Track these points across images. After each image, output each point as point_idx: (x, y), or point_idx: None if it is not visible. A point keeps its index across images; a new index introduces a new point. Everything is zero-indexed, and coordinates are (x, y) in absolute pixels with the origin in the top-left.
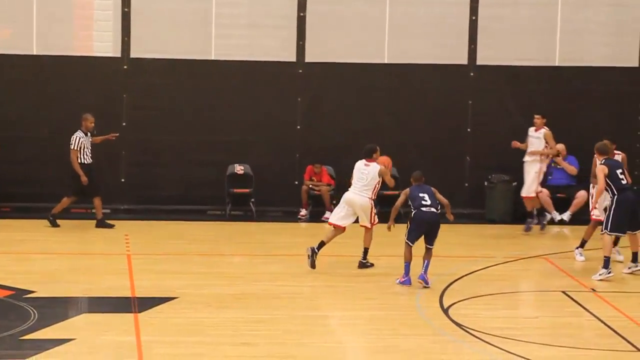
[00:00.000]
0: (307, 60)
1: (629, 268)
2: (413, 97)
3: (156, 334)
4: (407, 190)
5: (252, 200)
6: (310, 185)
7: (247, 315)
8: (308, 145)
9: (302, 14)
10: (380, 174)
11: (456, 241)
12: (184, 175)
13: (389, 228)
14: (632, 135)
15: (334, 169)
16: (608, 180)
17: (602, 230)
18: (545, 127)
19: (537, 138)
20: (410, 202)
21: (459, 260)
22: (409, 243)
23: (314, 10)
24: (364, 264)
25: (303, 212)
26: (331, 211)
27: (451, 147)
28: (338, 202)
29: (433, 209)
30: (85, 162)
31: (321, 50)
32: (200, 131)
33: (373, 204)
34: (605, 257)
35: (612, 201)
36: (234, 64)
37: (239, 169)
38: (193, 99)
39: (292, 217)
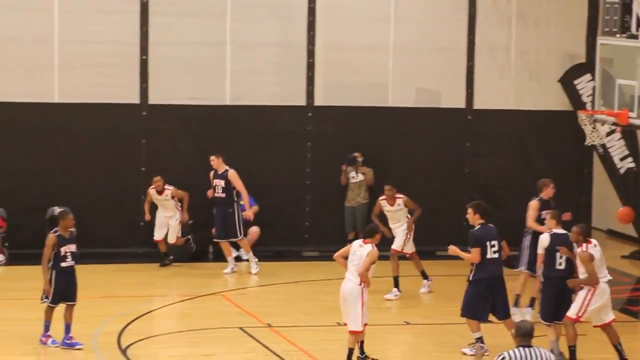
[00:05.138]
0: None
1: None
2: (82, 137)
3: None
4: None
5: None
6: None
7: None
8: None
9: None
10: None
11: (131, 281)
12: None
13: None
14: (302, 174)
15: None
16: None
17: None
18: (399, 195)
19: (398, 211)
20: None
21: (136, 300)
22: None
23: None
24: None
25: None
26: (5, 255)
27: (126, 186)
28: (10, 244)
29: None
30: None
31: None
32: None
33: None
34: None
35: None
36: None
37: None
38: None
39: None
